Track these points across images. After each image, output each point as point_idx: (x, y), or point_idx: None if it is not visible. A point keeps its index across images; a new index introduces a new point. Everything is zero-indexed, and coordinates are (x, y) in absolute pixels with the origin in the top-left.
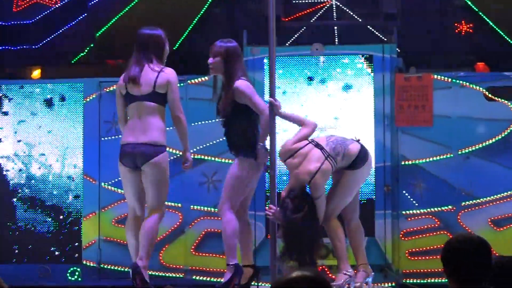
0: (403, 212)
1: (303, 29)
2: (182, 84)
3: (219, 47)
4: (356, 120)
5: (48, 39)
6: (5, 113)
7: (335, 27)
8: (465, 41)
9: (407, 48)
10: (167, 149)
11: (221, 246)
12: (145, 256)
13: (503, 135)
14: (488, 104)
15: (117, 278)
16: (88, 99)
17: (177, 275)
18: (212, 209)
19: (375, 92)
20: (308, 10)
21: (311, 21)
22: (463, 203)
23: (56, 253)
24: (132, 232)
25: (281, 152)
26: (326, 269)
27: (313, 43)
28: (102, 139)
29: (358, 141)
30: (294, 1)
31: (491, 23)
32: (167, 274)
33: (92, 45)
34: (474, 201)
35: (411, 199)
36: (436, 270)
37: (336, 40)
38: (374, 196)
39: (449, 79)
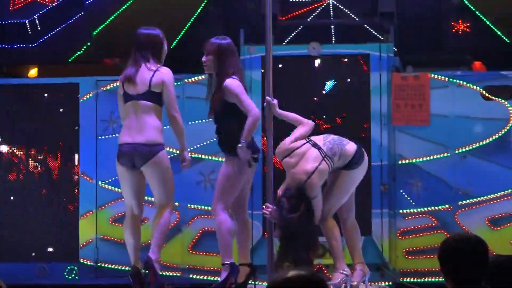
0: (400, 211)
1: (300, 28)
2: (179, 83)
3: (212, 44)
4: (353, 119)
5: (45, 37)
6: (3, 111)
7: (332, 26)
8: (462, 40)
9: (404, 47)
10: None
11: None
12: (157, 250)
13: (500, 134)
14: (485, 103)
15: (114, 276)
16: (84, 98)
17: (174, 274)
18: (209, 208)
19: (372, 91)
20: (305, 9)
21: (308, 20)
22: (460, 202)
23: (53, 251)
24: (130, 231)
25: (278, 151)
26: (323, 268)
27: (310, 42)
28: (99, 137)
29: (358, 144)
30: (291, 0)
31: (488, 22)
32: (164, 273)
33: (89, 43)
34: (471, 200)
35: (408, 198)
36: (433, 269)
37: (333, 39)
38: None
39: (446, 78)
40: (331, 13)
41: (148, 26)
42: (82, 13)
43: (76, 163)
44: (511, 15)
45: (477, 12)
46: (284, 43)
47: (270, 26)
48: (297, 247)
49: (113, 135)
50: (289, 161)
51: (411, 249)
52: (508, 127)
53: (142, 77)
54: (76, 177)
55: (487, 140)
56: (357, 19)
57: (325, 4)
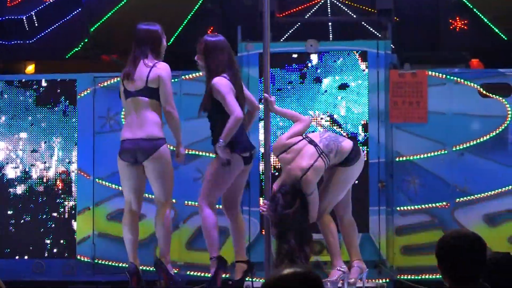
0: (398, 208)
1: (297, 25)
2: (176, 80)
3: (200, 43)
4: (350, 116)
5: (42, 34)
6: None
7: (330, 23)
8: (459, 37)
9: (401, 44)
10: None
11: None
12: (166, 252)
13: (497, 131)
14: (482, 101)
15: (111, 273)
16: (82, 94)
17: (173, 270)
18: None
19: (370, 88)
20: (302, 6)
21: (306, 17)
22: (458, 199)
23: (50, 248)
24: (128, 227)
25: (275, 147)
26: (322, 265)
27: (307, 39)
28: (97, 134)
29: (350, 137)
30: None
31: (485, 20)
32: None
33: (86, 40)
34: (469, 197)
35: (406, 196)
36: (430, 266)
37: (331, 36)
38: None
39: (444, 76)
40: (329, 10)
41: (147, 22)
42: (80, 9)
43: (73, 159)
44: (508, 13)
45: (474, 10)
46: (281, 40)
47: (267, 23)
48: (291, 244)
49: (111, 132)
50: (285, 157)
51: (408, 246)
52: (505, 125)
53: (140, 73)
54: (73, 173)
55: (485, 138)
56: (354, 16)
57: (322, 1)
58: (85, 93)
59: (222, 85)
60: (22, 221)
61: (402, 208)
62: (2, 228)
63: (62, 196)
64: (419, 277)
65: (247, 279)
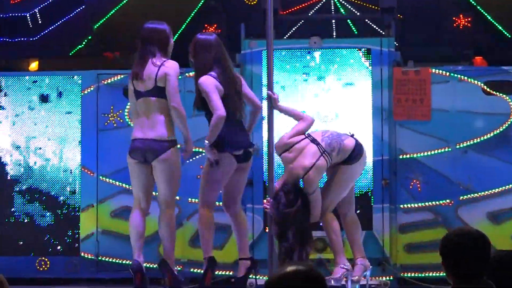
0: (401, 206)
1: (301, 23)
2: (180, 77)
3: (192, 42)
4: (354, 114)
5: (46, 31)
6: (2, 106)
7: (333, 21)
8: (463, 35)
9: (405, 42)
10: None
11: (219, 239)
12: (171, 253)
13: (501, 129)
14: (486, 98)
15: (115, 270)
16: (86, 92)
17: (175, 268)
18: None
19: (373, 86)
20: (306, 4)
21: (309, 14)
22: (461, 197)
23: (54, 245)
24: (135, 224)
25: (277, 146)
26: (325, 263)
27: (311, 36)
28: (100, 131)
29: (352, 136)
30: None
31: (489, 17)
32: None
33: (90, 37)
34: (472, 195)
35: (409, 193)
36: (434, 264)
37: (334, 34)
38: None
39: (447, 73)
40: (332, 8)
41: (154, 21)
42: (83, 6)
43: (77, 156)
44: None
45: (478, 7)
46: (285, 37)
47: (271, 21)
48: (292, 243)
49: (114, 129)
50: (288, 156)
51: (412, 243)
52: (509, 122)
53: (149, 73)
54: (77, 170)
55: (488, 135)
56: (358, 13)
57: None
58: (89, 90)
59: (206, 83)
60: (26, 218)
61: (405, 205)
62: (6, 225)
63: (66, 193)
64: (423, 275)
65: (250, 276)
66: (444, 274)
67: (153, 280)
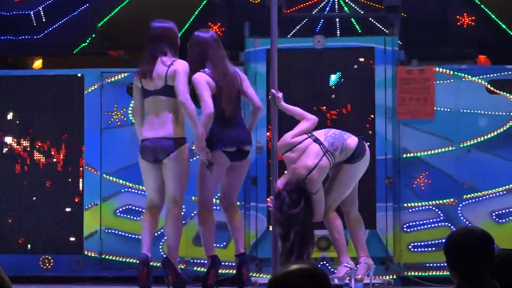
0: (405, 205)
1: (305, 21)
2: None
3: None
4: (357, 112)
5: (50, 29)
6: (8, 103)
7: (337, 19)
8: (467, 33)
9: (409, 41)
10: None
11: (222, 237)
12: (175, 251)
13: (505, 128)
14: (490, 97)
15: (118, 269)
16: (89, 90)
17: (178, 266)
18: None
19: (377, 84)
20: (310, 2)
21: (313, 12)
22: (465, 196)
23: (58, 243)
24: (148, 221)
25: (280, 146)
26: (329, 261)
27: (314, 35)
28: (104, 129)
29: (360, 138)
30: None
31: (493, 16)
32: None
33: (93, 35)
34: (476, 194)
35: (413, 192)
36: (437, 263)
37: (338, 32)
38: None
39: (451, 72)
40: (336, 6)
41: (160, 19)
42: (87, 4)
43: (81, 154)
44: None
45: (482, 6)
46: (289, 36)
47: (275, 19)
48: (294, 243)
49: (118, 127)
50: (290, 156)
51: (415, 242)
52: None
53: (158, 72)
54: (81, 169)
55: (492, 134)
56: (362, 12)
57: None
58: (92, 88)
59: (198, 80)
60: (30, 216)
61: (409, 204)
62: (9, 223)
63: (69, 191)
64: (426, 274)
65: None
66: (448, 273)
67: (157, 279)
